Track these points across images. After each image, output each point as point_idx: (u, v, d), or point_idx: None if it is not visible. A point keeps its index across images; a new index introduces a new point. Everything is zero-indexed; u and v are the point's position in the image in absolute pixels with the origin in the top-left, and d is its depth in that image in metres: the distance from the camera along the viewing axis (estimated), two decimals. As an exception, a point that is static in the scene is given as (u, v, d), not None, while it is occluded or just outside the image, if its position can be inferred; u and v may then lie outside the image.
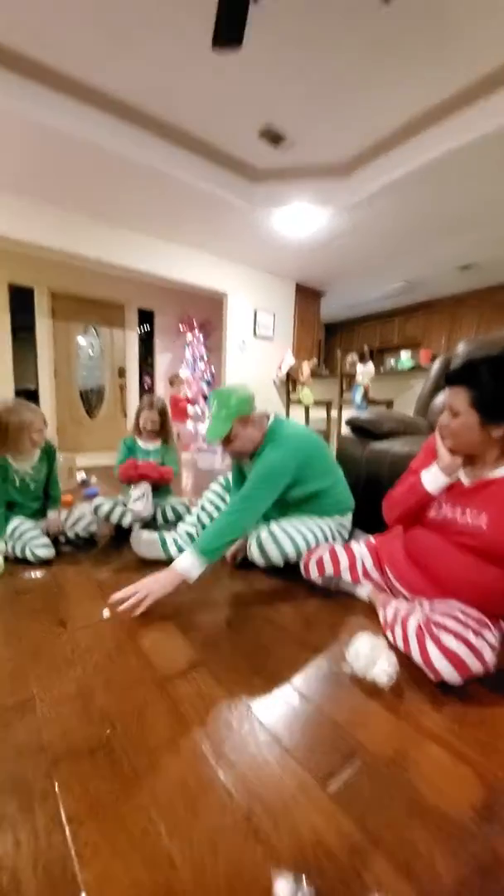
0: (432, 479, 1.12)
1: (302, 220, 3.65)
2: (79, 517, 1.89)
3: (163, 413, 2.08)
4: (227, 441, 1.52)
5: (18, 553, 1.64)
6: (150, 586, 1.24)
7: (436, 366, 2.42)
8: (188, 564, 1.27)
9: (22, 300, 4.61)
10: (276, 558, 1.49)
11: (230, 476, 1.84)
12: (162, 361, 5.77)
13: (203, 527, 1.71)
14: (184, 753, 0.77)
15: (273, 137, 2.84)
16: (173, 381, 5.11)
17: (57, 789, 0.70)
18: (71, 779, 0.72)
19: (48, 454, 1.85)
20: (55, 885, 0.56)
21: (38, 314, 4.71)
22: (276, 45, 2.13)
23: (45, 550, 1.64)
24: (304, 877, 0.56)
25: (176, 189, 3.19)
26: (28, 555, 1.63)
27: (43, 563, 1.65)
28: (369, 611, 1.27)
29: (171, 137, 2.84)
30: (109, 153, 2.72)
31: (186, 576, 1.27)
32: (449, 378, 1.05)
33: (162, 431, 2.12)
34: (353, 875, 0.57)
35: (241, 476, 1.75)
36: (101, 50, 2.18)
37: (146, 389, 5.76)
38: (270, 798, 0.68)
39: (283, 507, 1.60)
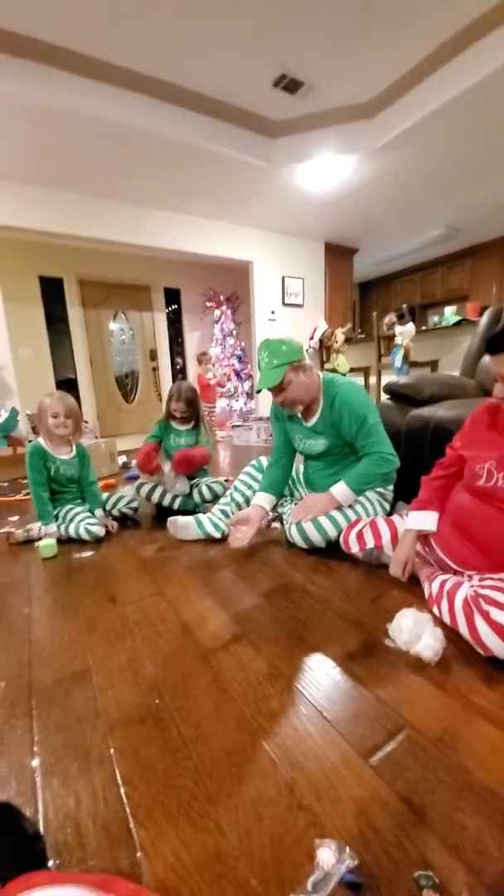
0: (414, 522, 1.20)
1: (326, 172, 3.40)
2: (121, 496, 2.02)
3: (190, 401, 2.08)
4: (279, 389, 1.50)
5: (72, 533, 1.75)
6: (313, 506, 1.51)
7: (485, 319, 2.21)
8: (344, 493, 1.47)
9: (52, 291, 4.73)
10: (318, 541, 1.49)
11: (262, 459, 1.82)
12: (191, 340, 5.76)
13: (237, 505, 1.73)
14: (227, 723, 0.80)
15: (290, 85, 2.62)
16: (201, 359, 5.07)
17: (112, 754, 0.75)
18: (124, 745, 0.77)
19: (81, 454, 1.93)
20: (113, 841, 0.61)
21: (69, 304, 4.82)
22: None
23: (97, 527, 1.75)
24: (347, 846, 0.56)
25: (191, 158, 3.06)
26: (82, 533, 1.73)
27: (95, 540, 1.75)
28: (413, 585, 1.23)
29: (180, 101, 2.71)
30: (118, 126, 2.64)
31: (340, 500, 1.48)
32: (494, 345, 0.94)
33: (193, 416, 2.14)
34: (398, 848, 0.57)
35: (286, 442, 1.72)
36: (100, 19, 2.08)
37: (178, 370, 5.81)
38: (313, 769, 0.69)
39: (334, 458, 1.61)
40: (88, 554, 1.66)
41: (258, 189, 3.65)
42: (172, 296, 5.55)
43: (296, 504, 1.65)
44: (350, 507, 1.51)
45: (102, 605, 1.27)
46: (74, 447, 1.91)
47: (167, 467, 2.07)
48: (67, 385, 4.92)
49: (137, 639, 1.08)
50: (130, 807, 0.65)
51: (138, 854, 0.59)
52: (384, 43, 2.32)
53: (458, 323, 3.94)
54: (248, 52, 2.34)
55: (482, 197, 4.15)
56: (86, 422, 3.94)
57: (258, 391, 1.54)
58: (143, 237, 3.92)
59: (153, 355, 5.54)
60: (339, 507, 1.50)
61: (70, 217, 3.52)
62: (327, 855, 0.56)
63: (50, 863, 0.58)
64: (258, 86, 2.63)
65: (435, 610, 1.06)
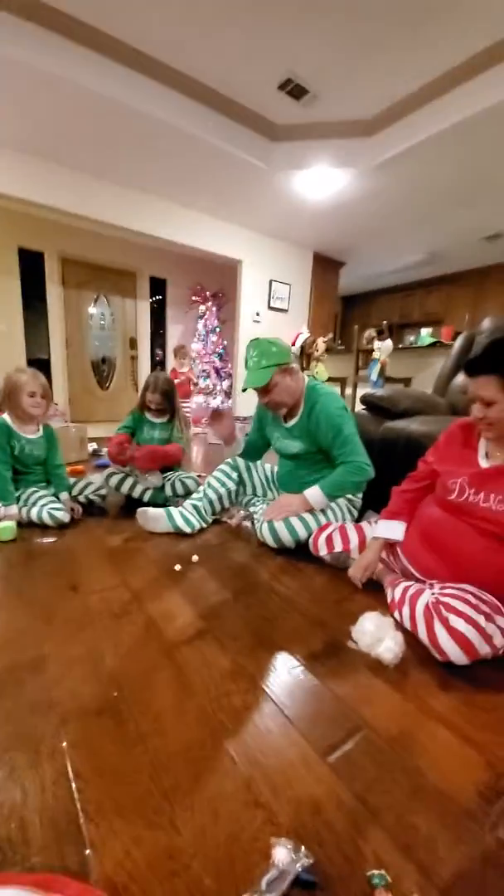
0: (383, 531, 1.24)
1: (321, 183, 3.46)
2: (89, 482, 1.95)
3: (166, 394, 2.04)
4: (265, 390, 1.51)
5: (35, 517, 1.67)
6: (286, 506, 1.51)
7: (458, 343, 2.31)
8: (317, 497, 1.48)
9: (31, 266, 4.53)
10: (288, 542, 1.50)
11: (237, 458, 1.81)
12: (174, 333, 5.68)
13: (210, 502, 1.72)
14: (187, 719, 0.78)
15: (295, 90, 2.65)
16: (177, 352, 4.88)
17: (65, 746, 0.72)
18: (78, 737, 0.74)
19: (48, 434, 1.85)
20: (61, 837, 0.58)
21: (48, 281, 4.63)
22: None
23: (62, 513, 1.68)
24: (302, 846, 0.56)
25: (191, 148, 3.02)
26: (45, 517, 1.66)
27: (59, 526, 1.68)
28: (376, 590, 1.26)
29: (183, 88, 2.67)
30: (120, 105, 2.57)
31: (312, 503, 1.49)
32: (472, 368, 0.98)
33: (168, 409, 2.09)
34: (352, 847, 0.57)
35: (261, 438, 1.78)
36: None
37: (157, 361, 5.70)
38: (272, 766, 0.69)
39: (307, 463, 1.62)
40: (51, 540, 1.59)
41: (254, 189, 3.65)
42: (158, 285, 5.45)
43: (268, 504, 1.65)
44: (321, 511, 1.54)
45: (63, 593, 1.22)
46: (41, 428, 1.83)
47: None
48: (38, 365, 4.70)
49: (98, 629, 1.04)
50: (81, 802, 0.62)
51: (87, 851, 0.56)
52: (391, 64, 2.39)
53: (433, 344, 4.11)
54: (258, 50, 2.34)
55: (463, 227, 4.35)
56: (56, 403, 3.79)
57: (243, 390, 1.53)
58: (134, 222, 3.82)
59: (133, 344, 5.41)
60: (311, 511, 1.52)
61: (58, 191, 3.39)
62: (283, 854, 0.56)
63: (-10, 860, 0.54)
64: (264, 86, 2.64)
65: (396, 614, 1.09)
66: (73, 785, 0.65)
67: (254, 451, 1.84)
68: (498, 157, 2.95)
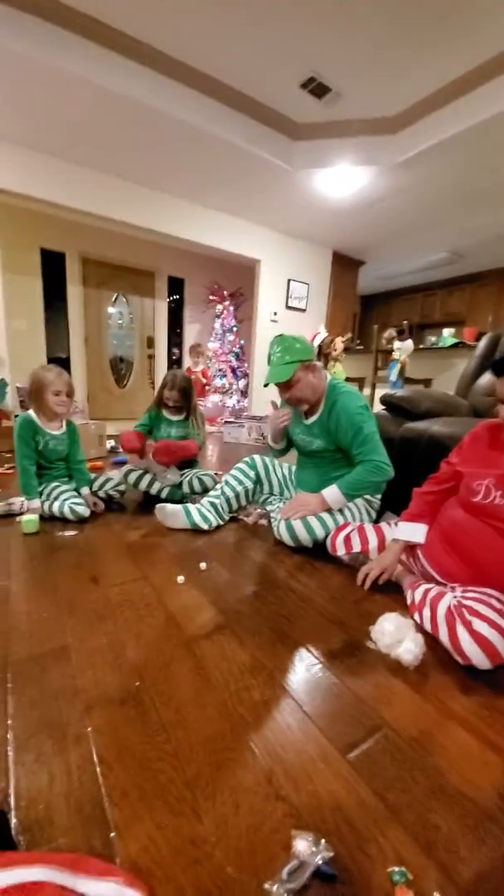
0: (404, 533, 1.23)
1: (343, 181, 3.43)
2: (108, 478, 1.99)
3: (183, 391, 2.06)
4: (287, 385, 1.52)
5: (56, 511, 1.71)
6: (304, 505, 1.52)
7: (483, 343, 2.27)
8: (335, 496, 1.48)
9: (53, 265, 4.63)
10: (306, 540, 1.50)
11: (255, 457, 1.82)
12: (191, 332, 5.72)
13: (227, 500, 1.73)
14: (208, 711, 0.79)
15: (317, 89, 2.63)
16: (192, 350, 4.85)
17: (89, 732, 0.74)
18: (102, 724, 0.75)
19: (71, 431, 1.90)
20: (86, 820, 0.59)
21: (69, 281, 4.72)
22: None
23: (82, 508, 1.72)
24: (322, 839, 0.57)
25: (212, 148, 3.04)
26: (66, 512, 1.70)
27: (79, 520, 1.72)
28: (396, 591, 1.25)
29: (207, 90, 2.69)
30: (143, 106, 2.59)
31: (330, 502, 1.49)
32: (500, 367, 0.97)
33: (185, 406, 2.11)
34: (373, 843, 0.57)
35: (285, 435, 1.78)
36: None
37: (174, 360, 5.76)
38: (292, 761, 0.70)
39: (325, 461, 1.62)
40: (72, 533, 1.63)
41: (274, 188, 3.65)
42: (176, 285, 5.50)
43: (285, 503, 1.66)
44: (339, 511, 1.53)
45: (84, 584, 1.24)
46: (65, 424, 1.88)
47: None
48: (58, 363, 4.79)
49: (119, 621, 1.06)
50: (106, 787, 0.64)
51: (112, 834, 0.58)
52: (414, 62, 2.36)
53: (455, 345, 4.04)
54: (280, 50, 2.34)
55: (487, 225, 4.26)
56: (75, 401, 3.85)
57: (265, 385, 1.54)
58: (153, 222, 3.86)
59: (150, 343, 5.48)
60: (329, 510, 1.52)
61: (78, 191, 3.44)
62: (303, 846, 0.56)
63: (20, 840, 0.56)
64: (286, 85, 2.64)
65: (416, 617, 1.08)
66: (98, 770, 0.67)
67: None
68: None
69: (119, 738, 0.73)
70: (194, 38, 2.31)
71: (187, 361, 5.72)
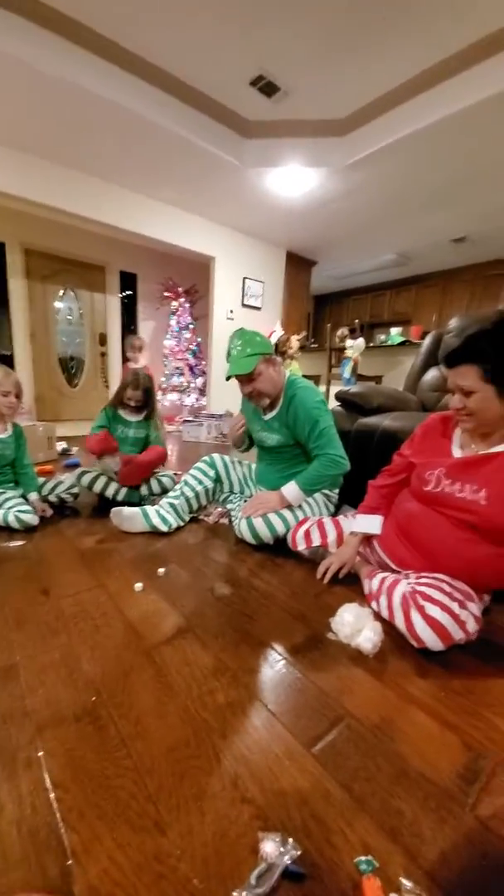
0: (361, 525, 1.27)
1: (294, 181, 3.47)
2: (59, 481, 1.88)
3: (147, 391, 1.99)
4: (249, 378, 1.50)
5: (0, 520, 1.59)
6: (264, 502, 1.52)
7: (427, 341, 2.38)
8: (294, 492, 1.50)
9: (-7, 256, 4.30)
10: (267, 538, 1.50)
11: (215, 456, 1.80)
12: (145, 329, 5.56)
13: (187, 500, 1.70)
14: (170, 719, 0.77)
15: (266, 87, 2.64)
16: (130, 346, 4.32)
17: (41, 755, 0.69)
18: (55, 745, 0.71)
19: (17, 434, 1.78)
20: (40, 848, 0.55)
21: (10, 272, 4.42)
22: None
23: (29, 515, 1.61)
24: (290, 837, 0.57)
25: (163, 140, 2.95)
26: (11, 520, 1.58)
27: (26, 529, 1.61)
28: (355, 582, 1.29)
29: (157, 81, 2.61)
30: (84, 91, 2.47)
31: (290, 499, 1.50)
32: (452, 358, 1.01)
33: (146, 407, 2.05)
34: (339, 835, 0.58)
35: (247, 431, 1.77)
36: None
37: (128, 358, 5.57)
38: (257, 762, 0.69)
39: (284, 457, 1.64)
40: (18, 543, 1.52)
41: (226, 185, 3.62)
42: (128, 280, 5.31)
43: (246, 501, 1.65)
44: (298, 506, 1.55)
45: (34, 597, 1.17)
46: (10, 427, 1.75)
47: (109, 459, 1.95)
48: None
49: (73, 633, 1.01)
50: (61, 811, 0.60)
51: (69, 861, 0.54)
52: (362, 65, 2.42)
53: (403, 343, 4.23)
54: (229, 45, 2.32)
55: (432, 230, 4.49)
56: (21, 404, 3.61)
57: (227, 378, 1.52)
58: (100, 213, 3.69)
59: (102, 340, 5.25)
60: (289, 507, 1.53)
61: (15, 177, 3.21)
62: (271, 847, 0.56)
63: (-38, 881, 0.51)
64: (235, 82, 2.62)
65: (374, 605, 1.11)
66: (52, 794, 0.62)
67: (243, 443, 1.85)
68: (466, 161, 3.06)
69: (74, 757, 0.69)
70: (141, 26, 2.23)
71: (143, 359, 5.56)
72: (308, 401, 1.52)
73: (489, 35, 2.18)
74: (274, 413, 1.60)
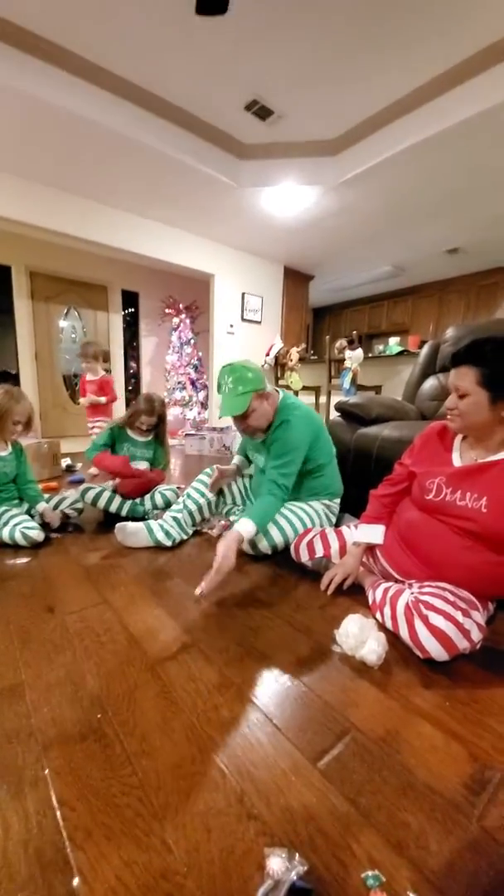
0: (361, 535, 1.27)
1: (289, 200, 3.56)
2: (63, 497, 1.92)
3: (162, 417, 2.05)
4: (243, 417, 1.48)
5: (7, 538, 1.61)
6: (225, 553, 1.23)
7: (424, 351, 2.41)
8: (249, 528, 1.34)
9: (-1, 279, 4.42)
10: (265, 547, 1.50)
11: (216, 468, 1.81)
12: (147, 345, 5.65)
13: (190, 513, 1.71)
14: (175, 736, 0.77)
15: (260, 111, 2.74)
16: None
17: (47, 774, 0.69)
18: (61, 764, 0.71)
19: (17, 451, 1.82)
20: (47, 867, 0.55)
21: (16, 294, 4.53)
22: (265, 15, 2.04)
23: (35, 532, 1.63)
24: (297, 853, 0.56)
25: (162, 165, 3.06)
26: (18, 537, 1.60)
27: (32, 545, 1.63)
28: (359, 593, 1.28)
29: (155, 109, 2.72)
30: (84, 120, 2.57)
31: (246, 535, 1.33)
32: (455, 358, 1.04)
33: (157, 430, 2.10)
34: (346, 850, 0.58)
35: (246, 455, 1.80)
36: (79, 11, 2.04)
37: (131, 374, 5.66)
38: (263, 777, 0.69)
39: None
40: (24, 560, 1.53)
41: (223, 205, 3.72)
42: (130, 298, 5.42)
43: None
44: (298, 517, 1.55)
45: (39, 615, 1.17)
46: (10, 444, 1.78)
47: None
48: (3, 379, 4.57)
49: (78, 651, 1.01)
50: (67, 830, 0.60)
51: (75, 881, 0.54)
52: (353, 87, 2.51)
53: (401, 353, 4.27)
54: (224, 73, 2.42)
55: (425, 242, 4.57)
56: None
57: (220, 417, 1.51)
58: (101, 235, 3.80)
59: (106, 357, 5.33)
60: (287, 518, 1.53)
61: (21, 203, 3.33)
62: (277, 863, 0.55)
63: (-30, 901, 0.51)
64: (230, 107, 2.72)
65: (378, 615, 1.11)
66: (58, 813, 0.63)
67: (244, 463, 1.89)
68: (455, 175, 3.14)
69: (80, 776, 0.69)
70: (142, 58, 2.33)
71: (146, 376, 5.64)
72: (293, 436, 1.48)
73: (477, 53, 2.26)
74: (265, 437, 1.59)
